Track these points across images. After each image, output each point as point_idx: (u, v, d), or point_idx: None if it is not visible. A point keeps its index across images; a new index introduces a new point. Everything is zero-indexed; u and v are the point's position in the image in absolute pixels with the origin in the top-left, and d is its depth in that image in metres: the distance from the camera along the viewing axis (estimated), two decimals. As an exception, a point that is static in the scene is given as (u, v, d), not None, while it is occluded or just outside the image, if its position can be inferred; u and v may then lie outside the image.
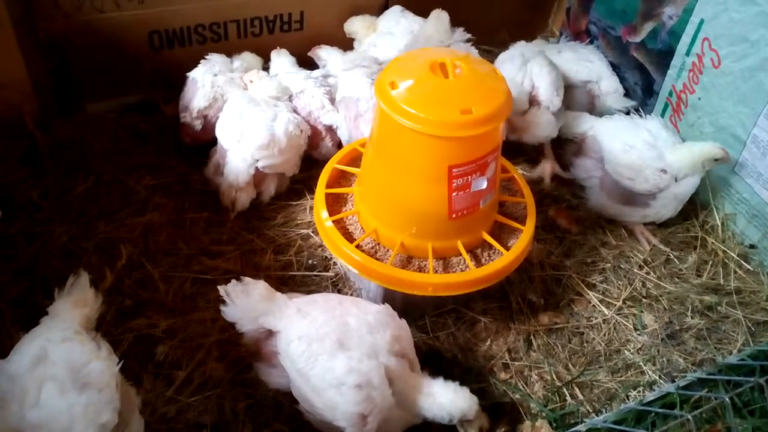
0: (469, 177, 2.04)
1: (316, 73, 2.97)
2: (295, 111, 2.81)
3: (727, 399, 1.77)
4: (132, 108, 3.14)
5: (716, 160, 2.63)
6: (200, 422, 2.06)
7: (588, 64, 3.22)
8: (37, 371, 1.62)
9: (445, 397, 1.87)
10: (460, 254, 2.22)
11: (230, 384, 2.15)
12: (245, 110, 2.67)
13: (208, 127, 2.79)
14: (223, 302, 1.99)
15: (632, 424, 2.01)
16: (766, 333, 2.48)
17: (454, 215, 2.11)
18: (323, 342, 1.85)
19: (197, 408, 2.09)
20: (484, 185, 2.09)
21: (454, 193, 2.05)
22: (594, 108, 3.18)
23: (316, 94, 2.83)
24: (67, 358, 1.65)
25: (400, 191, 2.13)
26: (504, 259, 2.20)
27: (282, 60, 3.06)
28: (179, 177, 2.84)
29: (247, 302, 1.96)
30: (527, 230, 2.29)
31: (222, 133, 2.68)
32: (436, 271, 2.19)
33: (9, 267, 2.40)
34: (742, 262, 2.73)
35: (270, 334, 1.98)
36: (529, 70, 2.93)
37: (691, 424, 1.73)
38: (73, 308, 1.86)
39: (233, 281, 2.00)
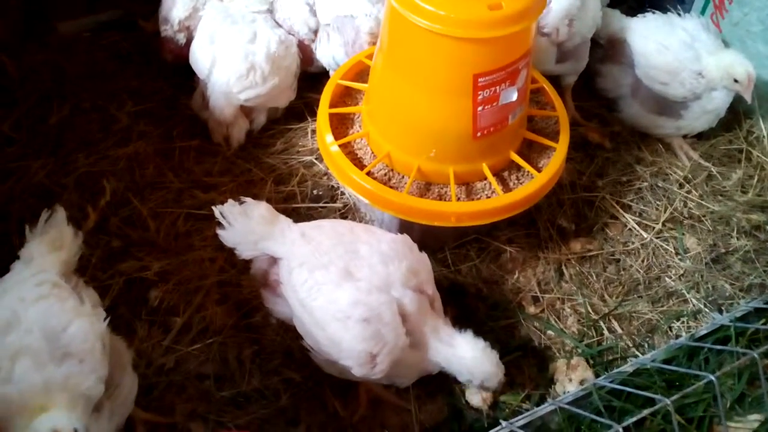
0: (498, 87, 1.76)
1: None
2: (277, 24, 2.50)
3: (799, 333, 1.56)
4: (109, 26, 2.87)
5: (735, 81, 2.36)
6: (202, 372, 1.90)
7: None
8: (9, 339, 1.42)
9: (470, 354, 1.64)
10: (486, 178, 1.98)
11: (233, 330, 1.98)
12: (218, 32, 2.36)
13: (192, 41, 2.48)
14: (221, 226, 1.76)
15: (683, 362, 1.80)
16: (821, 254, 2.26)
17: (479, 133, 1.86)
18: (328, 270, 1.64)
19: (198, 357, 1.93)
20: (514, 97, 1.82)
21: (479, 108, 1.79)
22: None
23: (295, 5, 2.50)
24: (43, 322, 1.45)
25: (417, 107, 1.87)
26: (535, 182, 1.96)
27: None
28: (165, 101, 2.59)
29: (246, 225, 1.74)
30: (561, 148, 2.03)
31: (193, 60, 2.39)
32: (459, 199, 1.96)
33: (-19, 208, 2.18)
34: (792, 176, 2.48)
35: (275, 261, 1.78)
36: None
37: (758, 362, 1.51)
38: (49, 251, 1.64)
39: (230, 201, 1.77)
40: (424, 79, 1.80)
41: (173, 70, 2.63)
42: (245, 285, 2.06)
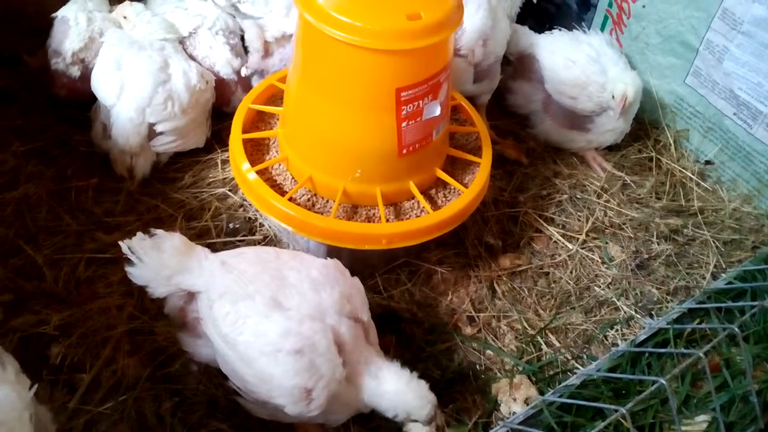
0: (421, 102, 1.70)
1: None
2: (191, 57, 2.34)
3: (737, 328, 1.55)
4: (-13, 62, 2.60)
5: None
6: (117, 434, 1.70)
7: None
8: None
9: (393, 387, 1.52)
10: (414, 197, 1.90)
11: (149, 382, 1.79)
12: (124, 57, 2.18)
13: (87, 75, 2.27)
14: (130, 263, 1.59)
15: (627, 369, 1.77)
16: (736, 252, 2.33)
17: (404, 150, 1.78)
18: (253, 300, 1.50)
19: (111, 417, 1.72)
20: (438, 111, 1.76)
21: (403, 123, 1.72)
22: None
23: (215, 45, 2.35)
24: None
25: (339, 127, 1.77)
26: (464, 198, 1.90)
27: None
28: (56, 138, 2.36)
29: (158, 259, 1.58)
30: (484, 162, 1.99)
31: (98, 86, 2.20)
32: (389, 220, 1.86)
33: None
34: (700, 181, 2.56)
35: (192, 297, 1.61)
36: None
37: (704, 361, 1.49)
38: None
39: (139, 234, 1.60)
40: (345, 96, 1.71)
41: (64, 106, 2.40)
42: (159, 332, 1.88)
